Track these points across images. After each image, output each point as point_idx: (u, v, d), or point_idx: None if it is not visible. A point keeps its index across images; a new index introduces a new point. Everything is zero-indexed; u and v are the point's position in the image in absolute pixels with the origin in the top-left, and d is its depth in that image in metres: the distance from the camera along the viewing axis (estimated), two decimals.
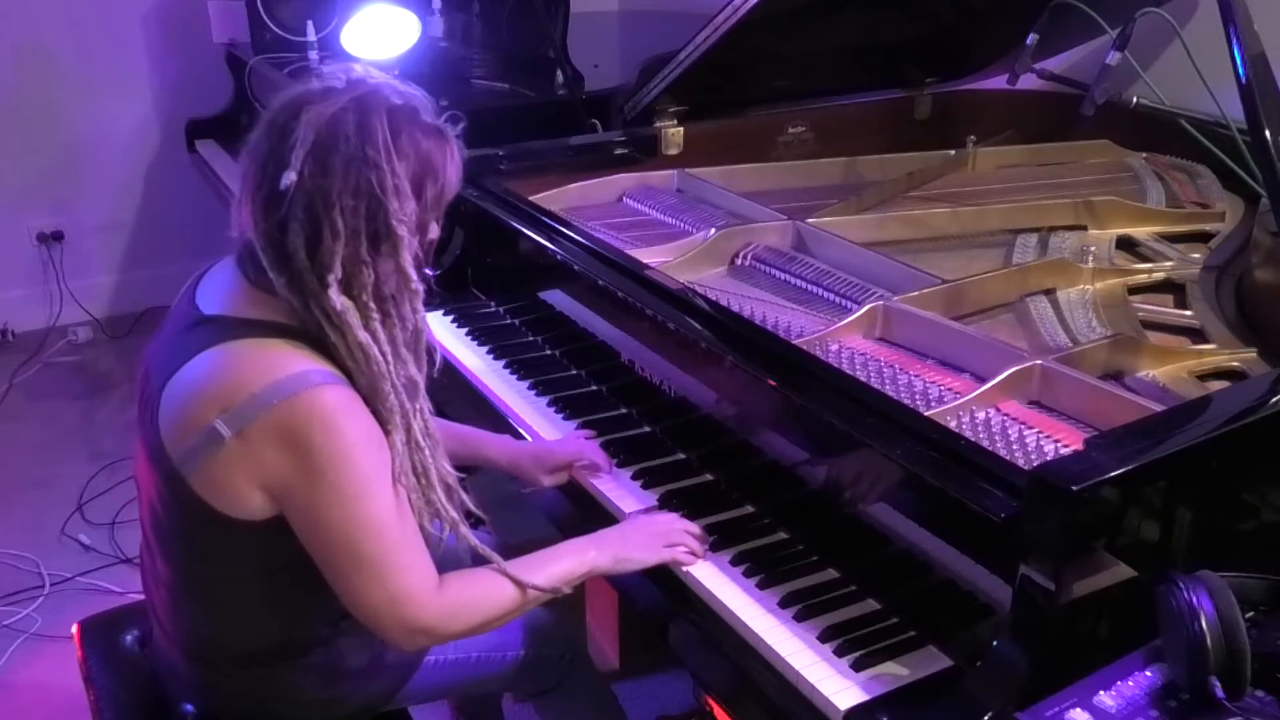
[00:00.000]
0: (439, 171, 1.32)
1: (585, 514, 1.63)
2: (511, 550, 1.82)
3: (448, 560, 1.43)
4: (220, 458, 1.27)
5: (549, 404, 1.85)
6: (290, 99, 1.29)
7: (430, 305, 2.13)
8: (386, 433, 1.33)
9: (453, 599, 1.36)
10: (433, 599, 1.34)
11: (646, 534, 1.47)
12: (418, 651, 1.57)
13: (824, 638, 1.31)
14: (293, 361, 1.27)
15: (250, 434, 1.25)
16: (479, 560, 1.43)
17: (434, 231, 1.37)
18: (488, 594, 1.39)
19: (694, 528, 1.48)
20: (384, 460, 1.31)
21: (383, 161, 1.25)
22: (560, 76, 2.93)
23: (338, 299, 1.27)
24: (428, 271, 1.37)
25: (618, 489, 1.61)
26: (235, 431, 1.25)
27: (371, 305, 1.29)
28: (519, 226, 2.02)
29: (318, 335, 1.30)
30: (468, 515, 1.46)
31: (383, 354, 1.31)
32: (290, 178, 1.24)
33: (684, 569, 1.44)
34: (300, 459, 1.26)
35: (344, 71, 1.31)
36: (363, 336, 1.29)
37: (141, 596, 1.59)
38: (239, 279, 1.35)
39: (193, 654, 1.48)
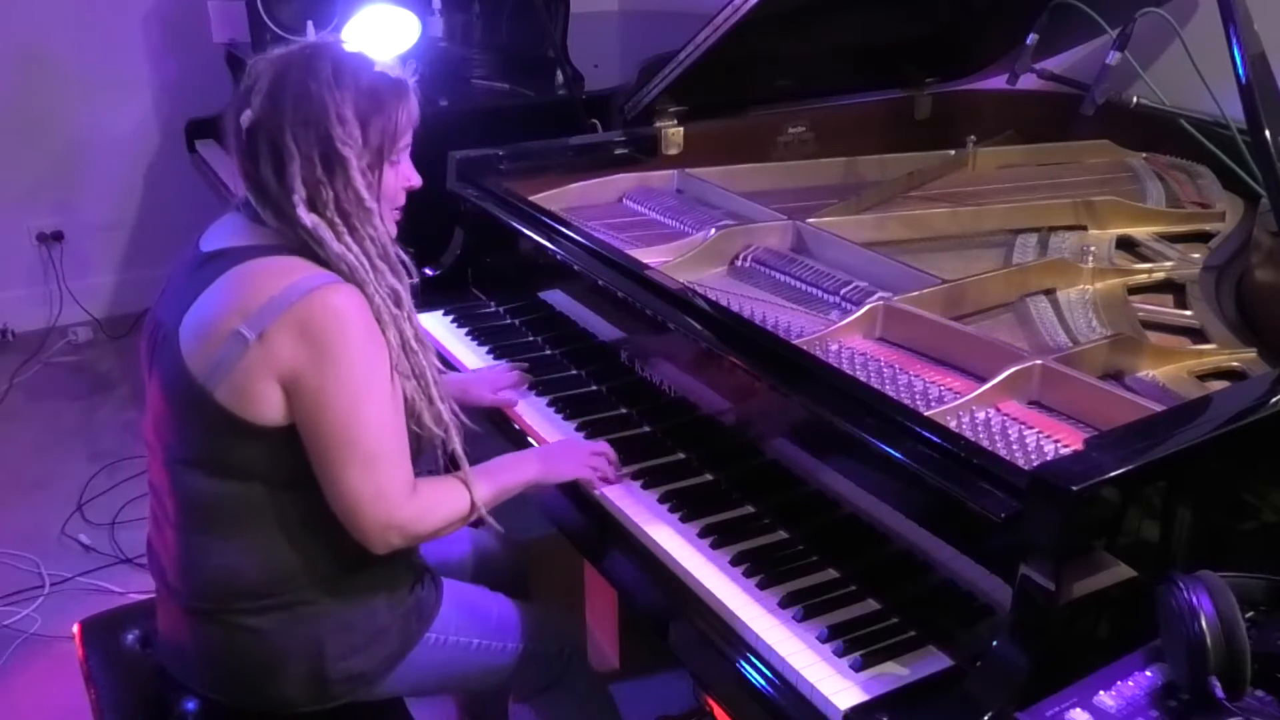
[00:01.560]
0: (386, 106, 1.46)
1: (586, 512, 1.63)
2: (514, 544, 1.83)
3: None
4: (244, 362, 1.39)
5: (549, 404, 1.85)
6: (258, 60, 1.47)
7: (430, 305, 2.15)
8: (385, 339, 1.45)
9: (423, 503, 1.49)
10: (408, 499, 1.47)
11: (571, 453, 1.66)
12: (416, 623, 1.58)
13: (824, 638, 1.31)
14: (303, 268, 1.43)
15: (270, 333, 1.38)
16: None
17: (414, 179, 1.54)
18: (449, 499, 1.52)
19: (613, 456, 1.65)
20: (385, 363, 1.44)
21: (324, 92, 1.41)
22: (560, 76, 2.92)
23: (306, 216, 1.42)
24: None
25: (619, 490, 1.61)
26: (258, 334, 1.38)
27: (337, 221, 1.44)
28: (519, 226, 2.02)
29: (311, 255, 1.44)
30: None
31: (360, 264, 1.45)
32: (248, 115, 1.42)
33: (688, 573, 1.45)
34: (313, 350, 1.39)
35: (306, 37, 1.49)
36: (338, 249, 1.43)
37: (142, 597, 1.60)
38: (239, 219, 1.51)
39: (198, 603, 1.50)
